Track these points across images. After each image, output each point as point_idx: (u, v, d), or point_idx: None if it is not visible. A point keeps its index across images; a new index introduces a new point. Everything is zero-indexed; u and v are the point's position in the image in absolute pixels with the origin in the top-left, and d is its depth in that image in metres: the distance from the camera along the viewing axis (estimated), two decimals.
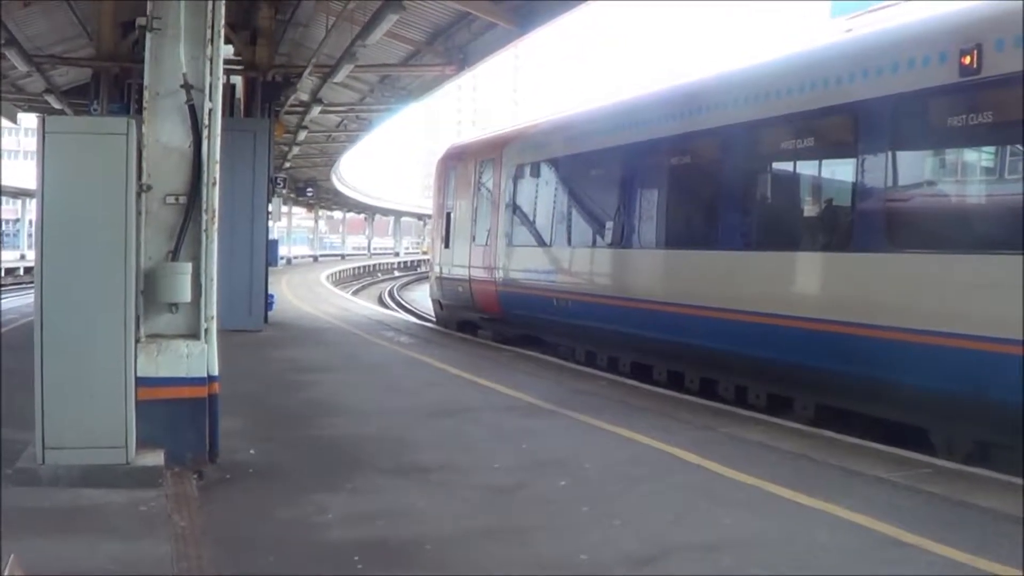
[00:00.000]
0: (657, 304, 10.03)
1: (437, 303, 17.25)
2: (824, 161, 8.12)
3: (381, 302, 32.00)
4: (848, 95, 7.55)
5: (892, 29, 7.56)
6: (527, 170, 13.74)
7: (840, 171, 7.86)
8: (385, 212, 73.52)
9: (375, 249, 72.07)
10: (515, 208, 13.99)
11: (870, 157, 7.29)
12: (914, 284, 6.83)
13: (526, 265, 13.41)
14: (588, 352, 12.09)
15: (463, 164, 16.07)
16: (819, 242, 7.98)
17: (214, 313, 6.46)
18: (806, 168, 8.37)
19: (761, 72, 9.06)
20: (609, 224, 11.29)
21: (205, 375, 6.38)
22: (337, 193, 50.89)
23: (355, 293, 34.79)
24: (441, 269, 16.58)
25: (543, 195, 13.22)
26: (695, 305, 9.36)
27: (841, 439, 7.50)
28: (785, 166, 8.57)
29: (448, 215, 16.35)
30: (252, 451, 6.82)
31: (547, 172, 13.20)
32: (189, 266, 6.39)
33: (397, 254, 72.67)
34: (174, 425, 6.23)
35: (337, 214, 73.48)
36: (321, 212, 64.17)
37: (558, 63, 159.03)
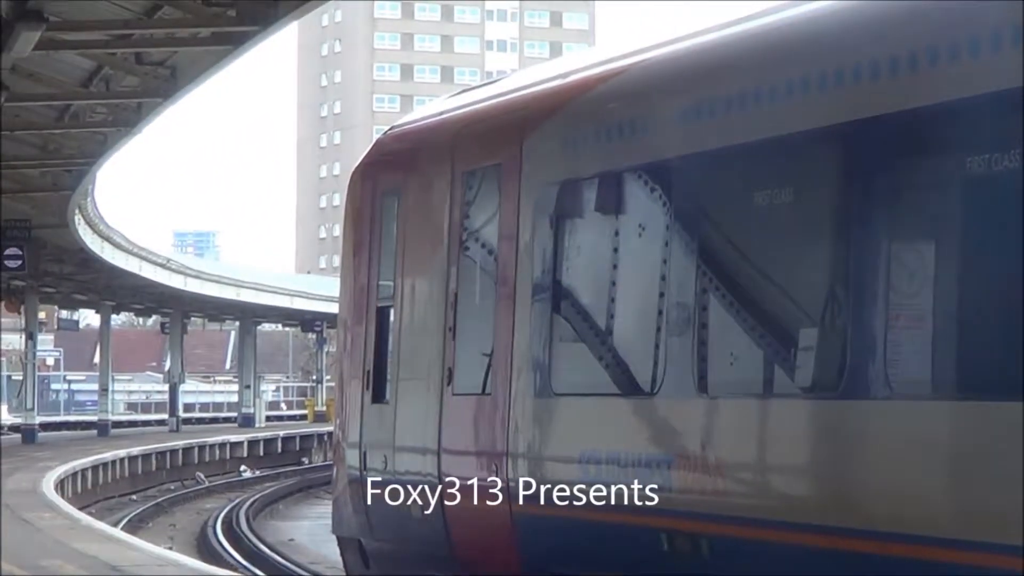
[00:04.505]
0: None
1: (355, 547, 18.54)
2: None
3: (205, 548, 34.29)
4: None
5: None
6: (595, 192, 14.96)
7: None
8: (215, 311, 74.06)
9: (191, 406, 72.45)
10: (561, 295, 15.17)
11: None
12: None
13: (597, 448, 14.55)
14: None
15: (422, 177, 17.61)
16: None
17: None
18: None
19: None
20: (862, 338, 11.95)
21: None
22: (89, 261, 51.39)
23: (136, 524, 37.11)
24: (366, 457, 17.87)
25: (643, 258, 14.37)
26: None
27: None
28: None
29: (381, 312, 17.92)
30: None
31: (654, 197, 14.26)
32: None
33: (248, 418, 73.24)
34: None
35: (89, 316, 74.02)
36: (44, 311, 64.71)
37: None
